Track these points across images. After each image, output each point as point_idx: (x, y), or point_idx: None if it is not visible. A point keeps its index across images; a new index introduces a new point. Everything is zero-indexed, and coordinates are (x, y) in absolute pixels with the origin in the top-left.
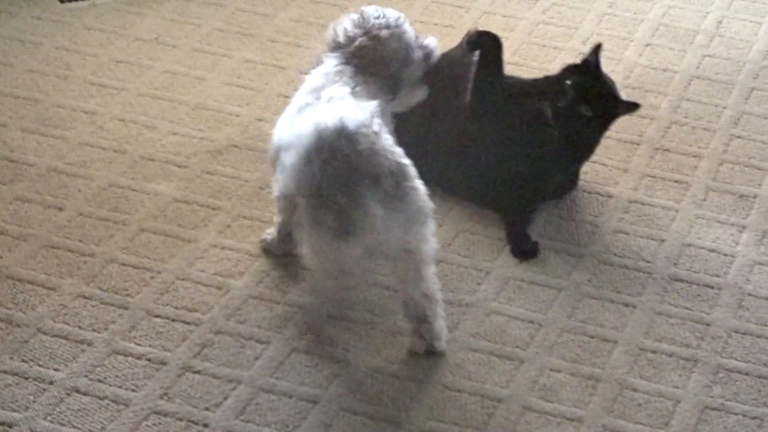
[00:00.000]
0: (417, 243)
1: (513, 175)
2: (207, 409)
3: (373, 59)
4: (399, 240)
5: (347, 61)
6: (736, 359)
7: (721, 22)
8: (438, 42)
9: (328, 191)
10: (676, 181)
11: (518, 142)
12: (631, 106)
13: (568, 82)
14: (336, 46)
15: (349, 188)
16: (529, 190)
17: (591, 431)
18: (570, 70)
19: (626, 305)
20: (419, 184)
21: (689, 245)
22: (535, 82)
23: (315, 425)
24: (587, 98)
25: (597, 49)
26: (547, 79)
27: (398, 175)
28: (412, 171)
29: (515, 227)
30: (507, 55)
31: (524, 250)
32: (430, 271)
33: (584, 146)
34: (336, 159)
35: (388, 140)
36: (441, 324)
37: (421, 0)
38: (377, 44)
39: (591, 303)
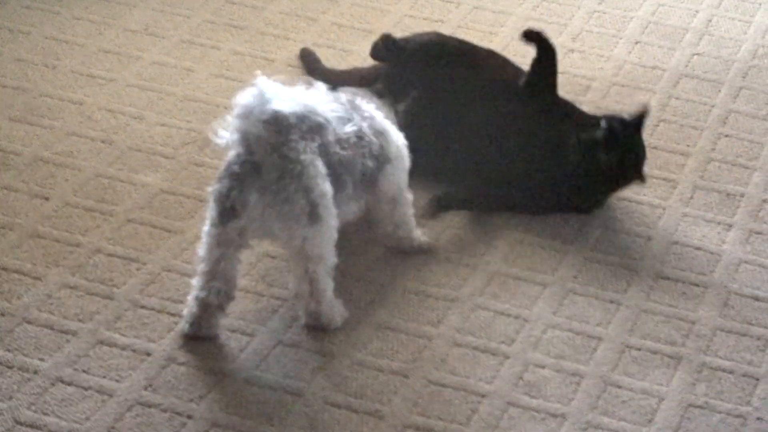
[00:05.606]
0: (300, 241)
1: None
2: (191, 400)
3: None
4: (278, 233)
5: None
6: (720, 357)
7: (710, 21)
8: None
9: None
10: (663, 179)
11: (539, 151)
12: (641, 179)
13: (604, 123)
14: None
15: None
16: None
17: (575, 428)
18: (612, 118)
19: (611, 302)
20: (313, 186)
21: (676, 243)
22: (577, 111)
23: (299, 418)
24: (611, 149)
25: (643, 114)
26: (586, 116)
27: (284, 171)
28: (310, 171)
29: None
30: (497, 50)
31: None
32: (320, 269)
33: (583, 189)
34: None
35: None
36: (329, 314)
37: None
38: None
39: (576, 299)
